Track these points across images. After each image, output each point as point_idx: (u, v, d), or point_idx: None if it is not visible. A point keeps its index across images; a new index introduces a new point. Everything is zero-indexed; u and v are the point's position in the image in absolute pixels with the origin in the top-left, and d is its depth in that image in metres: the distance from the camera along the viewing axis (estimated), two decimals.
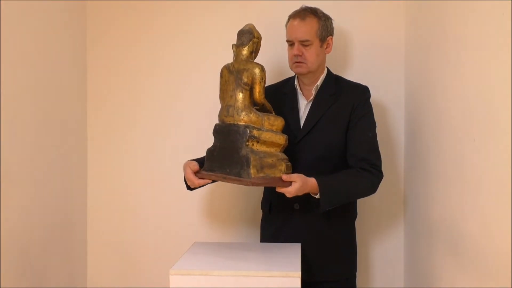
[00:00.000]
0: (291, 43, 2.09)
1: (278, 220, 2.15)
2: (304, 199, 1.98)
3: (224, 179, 1.91)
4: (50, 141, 2.23)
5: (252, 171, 1.84)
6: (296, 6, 2.15)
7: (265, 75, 1.93)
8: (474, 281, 1.51)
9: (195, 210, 2.52)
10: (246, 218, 2.49)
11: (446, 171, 1.80)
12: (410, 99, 2.35)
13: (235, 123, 1.91)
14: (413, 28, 2.31)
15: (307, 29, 2.05)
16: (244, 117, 1.91)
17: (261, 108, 1.98)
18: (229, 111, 1.92)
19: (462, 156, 1.62)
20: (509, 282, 1.28)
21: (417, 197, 2.22)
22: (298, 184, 1.86)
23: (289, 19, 2.12)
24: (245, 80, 1.92)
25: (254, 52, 1.99)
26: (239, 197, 2.50)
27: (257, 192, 2.34)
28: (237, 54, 1.98)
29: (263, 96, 1.95)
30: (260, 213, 2.30)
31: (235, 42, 1.99)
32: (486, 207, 1.44)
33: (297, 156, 2.07)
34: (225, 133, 1.93)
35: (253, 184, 1.85)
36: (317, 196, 1.94)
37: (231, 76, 1.95)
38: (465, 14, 1.62)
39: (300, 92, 2.17)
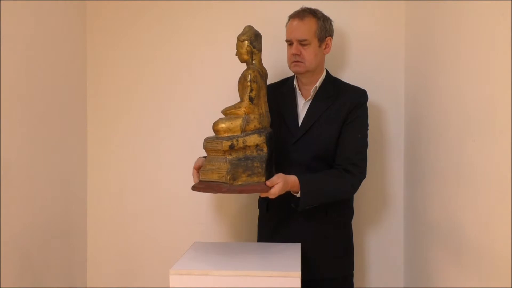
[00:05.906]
0: (290, 43, 2.10)
1: (275, 219, 2.16)
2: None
3: None
4: (50, 141, 2.23)
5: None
6: (296, 6, 2.16)
7: None
8: (475, 281, 1.51)
9: (195, 210, 2.52)
10: (246, 218, 2.49)
11: (446, 171, 1.80)
12: (410, 99, 2.35)
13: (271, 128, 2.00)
14: (413, 28, 2.31)
15: (306, 28, 2.07)
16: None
17: None
18: (269, 117, 1.99)
19: (462, 157, 1.62)
20: (509, 282, 1.28)
21: (417, 197, 2.22)
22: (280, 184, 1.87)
23: (289, 19, 2.14)
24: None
25: None
26: (239, 197, 2.50)
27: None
28: (259, 58, 1.97)
29: None
30: (258, 212, 2.30)
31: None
32: (486, 207, 1.44)
33: (293, 154, 2.08)
34: (273, 139, 1.97)
35: None
36: (298, 195, 1.96)
37: (263, 82, 1.95)
38: (465, 15, 1.62)
39: (299, 91, 2.17)
